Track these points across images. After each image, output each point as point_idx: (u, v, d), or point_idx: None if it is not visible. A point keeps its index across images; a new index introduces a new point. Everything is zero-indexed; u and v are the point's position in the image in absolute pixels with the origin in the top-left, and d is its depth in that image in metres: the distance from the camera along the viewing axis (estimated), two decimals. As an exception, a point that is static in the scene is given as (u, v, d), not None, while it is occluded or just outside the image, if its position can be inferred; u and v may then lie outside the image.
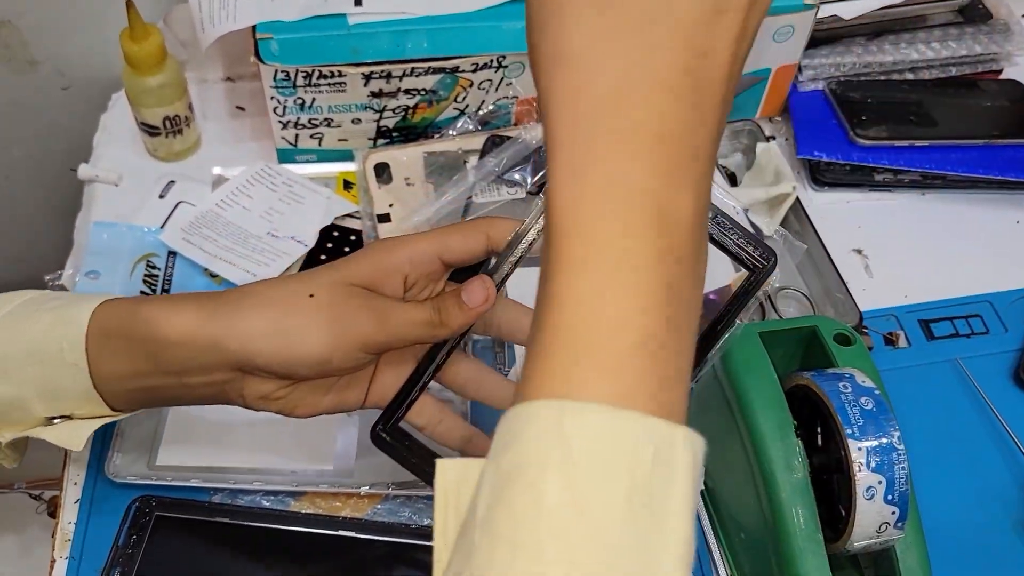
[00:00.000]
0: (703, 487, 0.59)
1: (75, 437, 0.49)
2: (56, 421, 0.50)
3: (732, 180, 0.75)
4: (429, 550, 0.56)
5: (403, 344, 0.47)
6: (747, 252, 0.44)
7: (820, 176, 0.77)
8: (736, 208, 0.70)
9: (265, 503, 0.58)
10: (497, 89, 0.73)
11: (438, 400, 0.51)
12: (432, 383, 0.50)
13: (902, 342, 0.68)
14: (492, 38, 0.69)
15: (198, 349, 0.46)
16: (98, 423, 0.50)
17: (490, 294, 0.46)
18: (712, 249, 0.66)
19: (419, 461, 0.49)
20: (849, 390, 0.50)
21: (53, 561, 0.56)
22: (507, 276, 0.47)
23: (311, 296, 0.46)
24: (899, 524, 0.48)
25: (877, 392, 0.49)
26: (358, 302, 0.46)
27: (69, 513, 0.58)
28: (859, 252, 0.74)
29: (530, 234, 0.46)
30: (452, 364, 0.50)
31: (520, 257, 0.46)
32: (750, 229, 0.69)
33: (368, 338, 0.46)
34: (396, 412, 0.49)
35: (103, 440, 0.60)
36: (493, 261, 0.47)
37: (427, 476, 0.49)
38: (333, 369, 0.47)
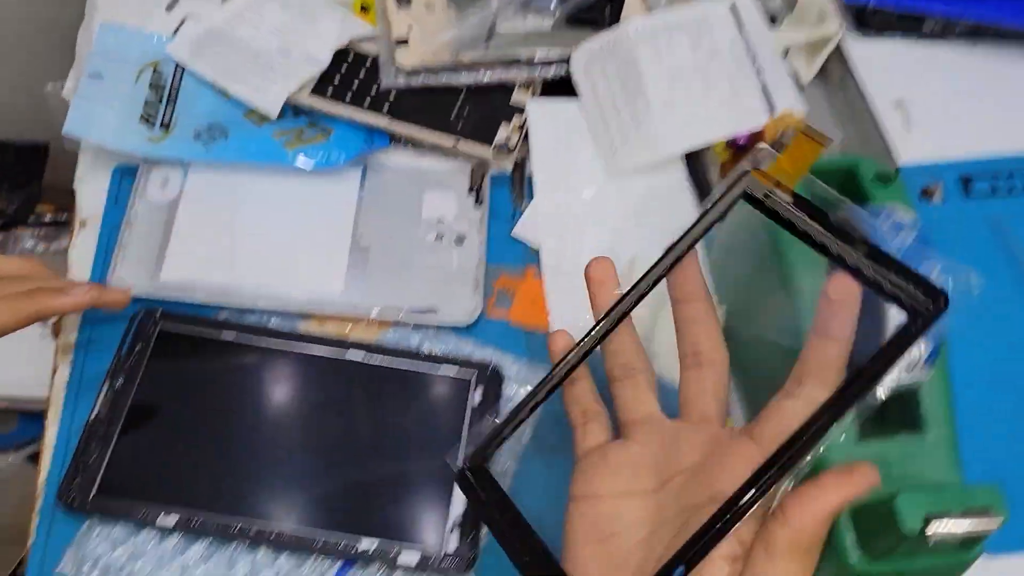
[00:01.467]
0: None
1: None
2: None
3: (772, 21, 0.71)
4: (437, 379, 0.55)
5: None
6: (905, 292, 0.36)
7: (866, 21, 0.72)
8: (773, 51, 0.66)
9: (272, 322, 0.57)
10: (527, -92, 0.68)
11: None
12: None
13: (938, 197, 0.65)
14: None
15: None
16: None
17: None
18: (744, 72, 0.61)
19: (496, 514, 0.40)
20: (888, 224, 0.47)
21: (55, 369, 0.55)
22: None
23: None
24: (930, 360, 0.46)
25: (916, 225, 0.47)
26: None
27: (71, 324, 0.57)
28: (900, 104, 0.70)
29: None
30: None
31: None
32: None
33: None
34: (486, 450, 0.41)
35: (105, 254, 0.59)
36: None
37: (499, 533, 0.39)
38: None
